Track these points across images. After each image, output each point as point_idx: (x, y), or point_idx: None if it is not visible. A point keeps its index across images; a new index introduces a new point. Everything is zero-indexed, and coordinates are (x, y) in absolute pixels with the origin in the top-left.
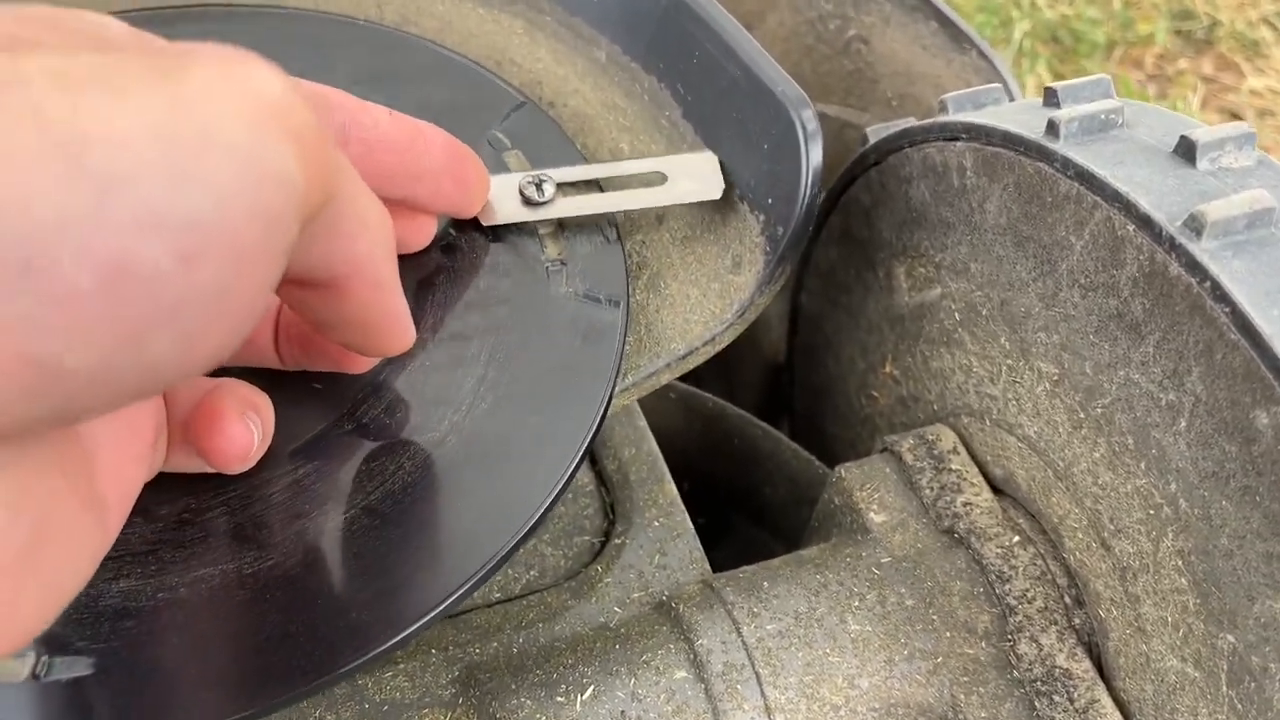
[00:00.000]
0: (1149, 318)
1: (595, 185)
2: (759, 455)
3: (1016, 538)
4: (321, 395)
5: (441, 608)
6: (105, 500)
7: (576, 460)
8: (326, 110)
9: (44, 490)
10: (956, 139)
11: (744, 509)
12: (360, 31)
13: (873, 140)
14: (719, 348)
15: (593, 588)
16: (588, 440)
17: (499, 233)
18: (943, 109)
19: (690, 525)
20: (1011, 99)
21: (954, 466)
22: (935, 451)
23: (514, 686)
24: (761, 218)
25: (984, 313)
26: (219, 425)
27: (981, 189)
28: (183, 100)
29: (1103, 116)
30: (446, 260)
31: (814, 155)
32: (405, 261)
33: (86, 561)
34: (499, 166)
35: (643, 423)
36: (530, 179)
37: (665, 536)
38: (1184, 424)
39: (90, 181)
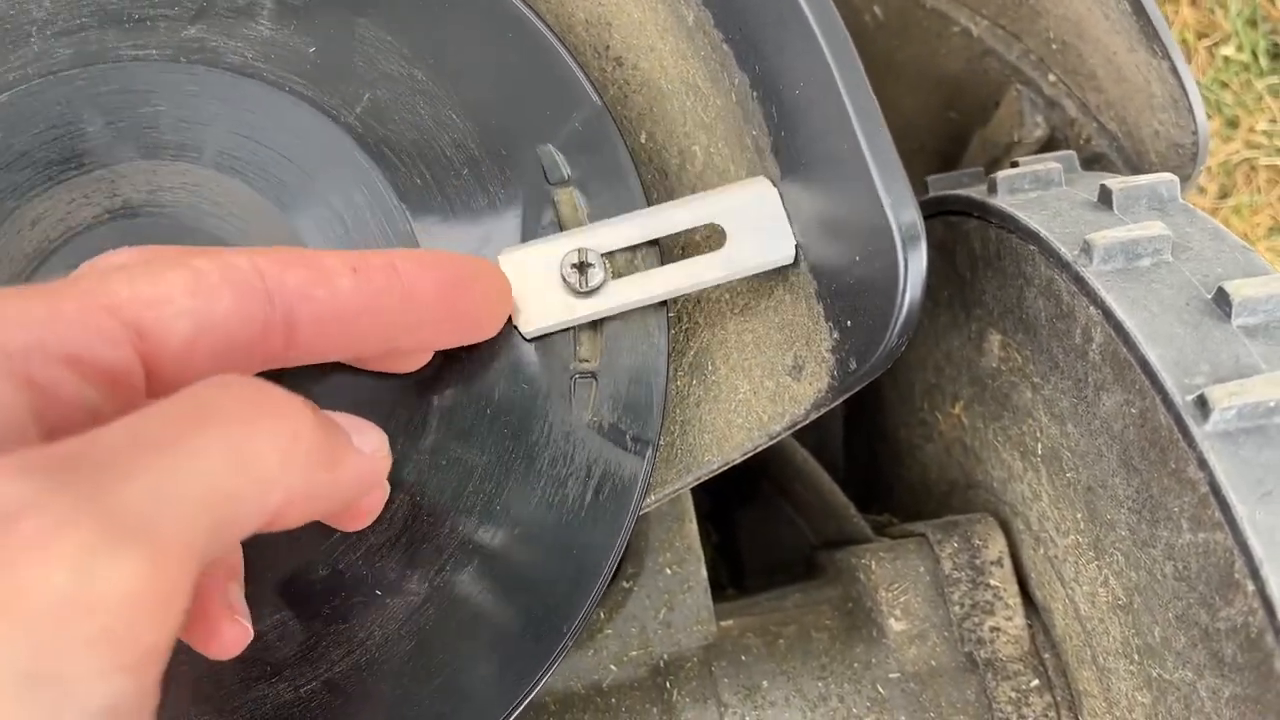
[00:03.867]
0: (1237, 669)
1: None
2: (794, 470)
3: (1035, 681)
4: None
5: None
6: None
7: (549, 668)
8: (259, 299)
9: None
10: (1094, 303)
11: (774, 481)
12: None
13: (1001, 200)
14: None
15: (592, 638)
16: (573, 630)
17: None
18: (1086, 251)
19: (704, 576)
20: (1195, 151)
21: (993, 582)
22: (977, 561)
23: None
24: (836, 335)
25: (1069, 476)
26: (211, 627)
27: (1104, 379)
28: None
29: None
30: (461, 352)
31: (912, 284)
32: None
33: None
34: (543, 209)
35: None
36: (574, 258)
37: (675, 588)
38: None
39: None
